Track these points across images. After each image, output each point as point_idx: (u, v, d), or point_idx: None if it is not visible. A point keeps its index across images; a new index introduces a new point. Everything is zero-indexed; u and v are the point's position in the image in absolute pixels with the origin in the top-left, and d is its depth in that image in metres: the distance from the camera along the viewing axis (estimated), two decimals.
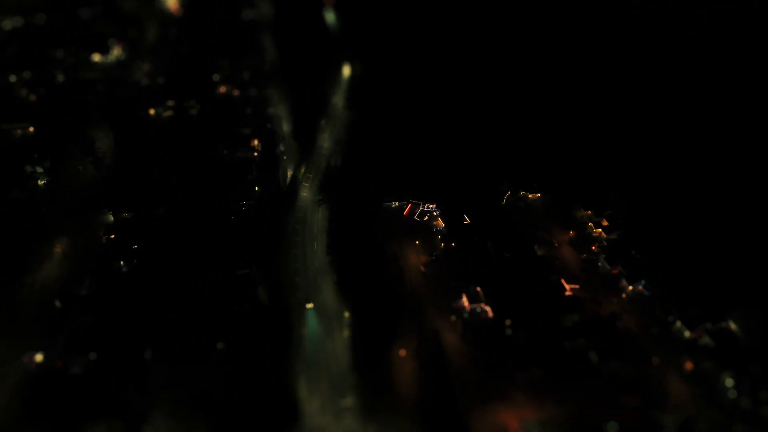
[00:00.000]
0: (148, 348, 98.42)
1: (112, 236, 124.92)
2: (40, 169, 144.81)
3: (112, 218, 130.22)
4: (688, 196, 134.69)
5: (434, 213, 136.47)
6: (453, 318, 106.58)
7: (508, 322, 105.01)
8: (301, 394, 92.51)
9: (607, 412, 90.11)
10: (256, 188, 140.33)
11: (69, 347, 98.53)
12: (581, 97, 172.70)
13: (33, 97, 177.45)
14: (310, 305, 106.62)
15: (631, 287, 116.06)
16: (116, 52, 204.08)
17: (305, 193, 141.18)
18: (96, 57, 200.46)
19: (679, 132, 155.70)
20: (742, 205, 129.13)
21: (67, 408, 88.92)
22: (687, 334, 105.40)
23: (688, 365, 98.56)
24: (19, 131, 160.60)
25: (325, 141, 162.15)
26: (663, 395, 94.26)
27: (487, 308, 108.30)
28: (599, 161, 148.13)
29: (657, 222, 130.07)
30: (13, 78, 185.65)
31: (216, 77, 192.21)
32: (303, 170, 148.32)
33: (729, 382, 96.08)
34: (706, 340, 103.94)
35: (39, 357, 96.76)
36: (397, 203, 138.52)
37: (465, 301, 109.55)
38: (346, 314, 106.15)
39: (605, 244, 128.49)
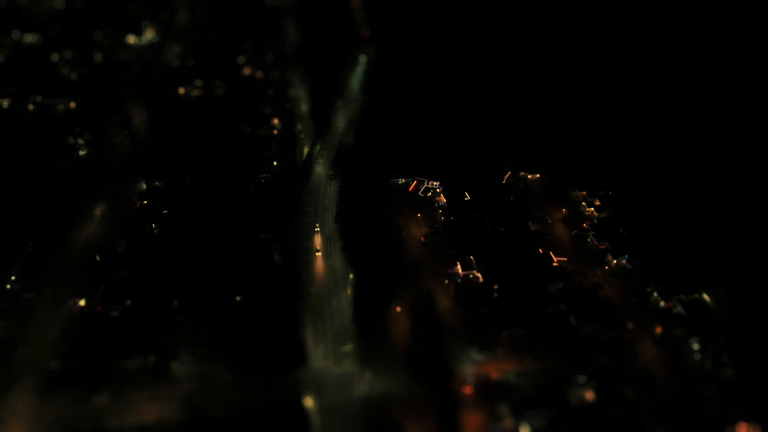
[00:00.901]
0: (176, 298, 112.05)
1: (145, 202, 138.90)
2: (81, 141, 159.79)
3: (144, 186, 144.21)
4: (675, 182, 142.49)
5: (437, 190, 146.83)
6: (446, 282, 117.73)
7: (495, 286, 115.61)
8: (308, 341, 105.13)
9: (579, 368, 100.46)
10: (275, 163, 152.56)
11: (108, 295, 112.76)
12: (583, 87, 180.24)
13: (74, 76, 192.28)
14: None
15: (615, 261, 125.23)
16: (149, 35, 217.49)
17: (319, 168, 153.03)
18: (131, 39, 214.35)
19: (669, 122, 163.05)
20: (722, 191, 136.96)
21: (106, 345, 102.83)
22: (662, 303, 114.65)
23: (659, 330, 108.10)
24: (61, 106, 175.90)
25: (340, 121, 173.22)
26: (634, 355, 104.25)
27: (479, 275, 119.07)
28: (596, 146, 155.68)
29: (645, 203, 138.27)
30: (55, 57, 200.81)
31: (241, 59, 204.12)
32: (318, 147, 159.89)
33: (695, 346, 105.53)
34: (679, 309, 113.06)
35: (82, 302, 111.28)
36: (403, 180, 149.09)
37: (459, 268, 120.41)
38: (351, 275, 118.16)
39: (596, 221, 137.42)
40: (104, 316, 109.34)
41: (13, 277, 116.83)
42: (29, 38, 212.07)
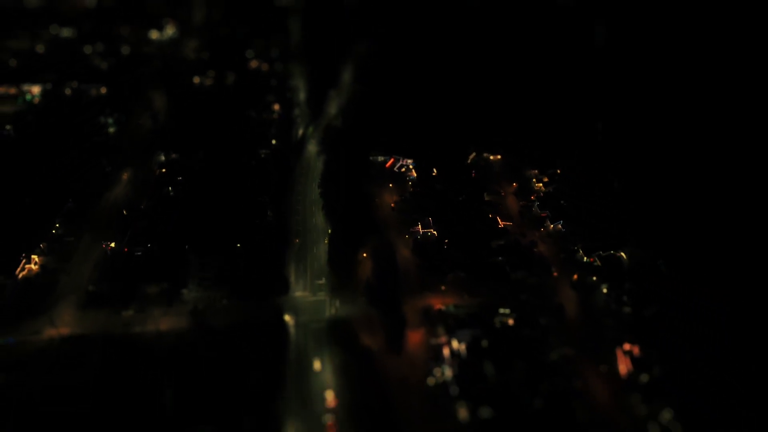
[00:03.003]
0: (187, 244, 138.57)
1: (164, 170, 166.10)
2: (111, 121, 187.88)
3: (163, 158, 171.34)
4: (606, 165, 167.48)
5: (410, 167, 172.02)
6: (407, 236, 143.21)
7: (446, 240, 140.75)
8: (291, 277, 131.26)
9: (506, 303, 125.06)
10: (274, 141, 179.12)
11: (132, 239, 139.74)
12: (544, 82, 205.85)
13: (104, 65, 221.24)
14: None
15: (552, 225, 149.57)
16: (170, 31, 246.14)
17: (311, 146, 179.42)
18: (154, 35, 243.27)
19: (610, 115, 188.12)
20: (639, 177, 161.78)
21: (131, 275, 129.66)
22: (585, 258, 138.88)
23: (575, 276, 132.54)
24: (94, 91, 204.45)
25: (332, 108, 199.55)
26: (553, 296, 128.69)
27: (434, 232, 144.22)
28: (551, 133, 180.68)
29: (585, 181, 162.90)
30: (88, 49, 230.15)
31: (249, 54, 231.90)
32: (311, 129, 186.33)
33: (604, 290, 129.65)
34: (597, 263, 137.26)
35: (113, 244, 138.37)
36: (382, 158, 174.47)
37: (419, 227, 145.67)
38: (329, 230, 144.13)
39: (542, 195, 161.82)
40: (130, 254, 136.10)
41: (57, 225, 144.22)
42: (66, 32, 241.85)
